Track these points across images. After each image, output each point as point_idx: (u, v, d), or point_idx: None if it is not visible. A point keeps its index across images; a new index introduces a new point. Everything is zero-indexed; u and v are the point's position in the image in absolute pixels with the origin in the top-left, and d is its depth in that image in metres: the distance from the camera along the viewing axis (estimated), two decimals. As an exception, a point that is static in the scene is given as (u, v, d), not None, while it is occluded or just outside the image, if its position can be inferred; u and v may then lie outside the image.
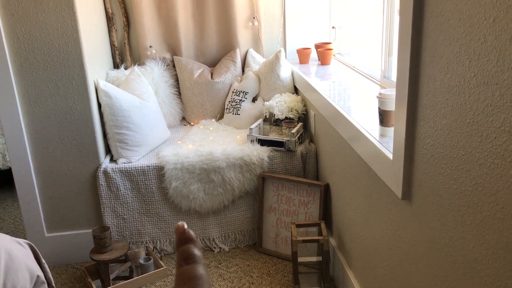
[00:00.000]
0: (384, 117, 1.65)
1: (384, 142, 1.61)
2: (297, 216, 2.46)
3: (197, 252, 0.46)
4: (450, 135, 1.14)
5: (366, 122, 1.81)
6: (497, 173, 0.97)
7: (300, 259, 2.19)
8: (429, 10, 1.19)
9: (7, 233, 2.93)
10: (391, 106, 1.60)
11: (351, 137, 1.86)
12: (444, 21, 1.12)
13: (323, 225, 2.23)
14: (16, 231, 2.98)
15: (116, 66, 3.00)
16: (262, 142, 2.54)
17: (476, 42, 1.00)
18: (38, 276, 1.53)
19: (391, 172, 1.48)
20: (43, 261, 1.63)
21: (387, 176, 1.52)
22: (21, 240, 1.59)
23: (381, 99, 1.64)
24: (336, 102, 2.10)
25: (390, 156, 1.49)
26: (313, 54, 3.04)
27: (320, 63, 2.92)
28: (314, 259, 2.24)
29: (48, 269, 1.64)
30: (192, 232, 0.47)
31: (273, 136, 2.59)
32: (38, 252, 1.62)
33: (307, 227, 2.34)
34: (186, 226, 0.47)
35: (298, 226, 2.27)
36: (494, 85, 0.96)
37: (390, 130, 1.63)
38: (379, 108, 1.66)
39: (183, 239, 0.47)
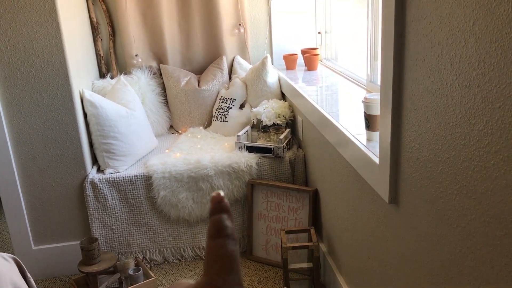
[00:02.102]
0: (370, 122, 1.65)
1: (370, 147, 1.61)
2: (287, 223, 2.45)
3: (230, 224, 0.45)
4: (434, 139, 1.14)
5: (353, 127, 1.81)
6: (481, 175, 0.97)
7: (290, 266, 2.18)
8: (411, 14, 1.20)
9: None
10: (376, 111, 1.60)
11: (338, 142, 1.86)
12: (426, 25, 1.13)
13: (312, 231, 2.22)
14: (3, 245, 2.94)
15: (102, 75, 2.98)
16: (250, 149, 2.53)
17: (457, 46, 1.01)
18: (23, 291, 1.50)
19: (378, 177, 1.48)
20: (29, 275, 1.61)
21: (374, 181, 1.52)
22: (6, 255, 1.56)
23: (366, 103, 1.64)
24: (323, 107, 2.10)
25: (377, 160, 1.49)
26: (300, 60, 3.05)
27: (306, 68, 2.93)
28: (304, 265, 2.23)
29: (33, 283, 1.61)
30: (227, 203, 0.45)
31: (261, 143, 2.58)
32: (24, 266, 1.59)
33: (297, 233, 2.33)
34: (222, 195, 0.45)
35: (288, 232, 2.26)
36: (475, 88, 0.96)
37: (376, 135, 1.62)
38: (364, 112, 1.66)
39: (218, 208, 0.45)
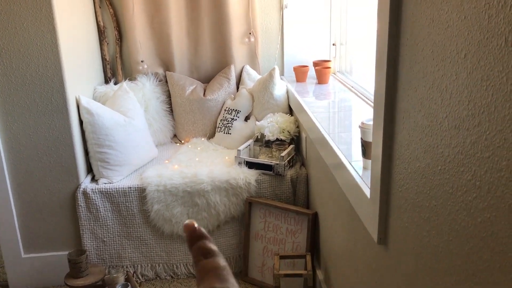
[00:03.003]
0: (366, 149, 1.51)
1: (365, 177, 1.47)
2: (284, 245, 2.32)
3: (214, 247, 0.44)
4: (422, 181, 1.00)
5: (351, 152, 1.67)
6: (467, 233, 0.82)
7: (283, 293, 2.05)
8: (405, 37, 1.06)
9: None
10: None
11: (334, 166, 1.72)
12: (418, 51, 0.99)
13: (308, 258, 2.09)
14: None
15: (107, 80, 2.91)
16: (250, 165, 2.41)
17: (448, 79, 0.87)
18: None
19: (368, 213, 1.34)
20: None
21: (364, 216, 1.38)
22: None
23: (363, 129, 1.50)
24: (324, 126, 1.96)
25: (368, 194, 1.35)
26: (312, 72, 2.91)
27: (317, 81, 2.79)
28: (298, 293, 2.10)
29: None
30: (202, 229, 0.44)
31: (262, 159, 2.46)
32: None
33: (294, 258, 2.19)
34: (196, 224, 0.44)
35: (283, 257, 2.13)
36: (465, 131, 0.82)
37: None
38: (361, 138, 1.52)
39: (195, 237, 0.44)
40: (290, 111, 2.72)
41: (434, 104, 0.93)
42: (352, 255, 1.63)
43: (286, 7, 2.92)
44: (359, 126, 1.52)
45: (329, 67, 2.78)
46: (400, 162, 1.12)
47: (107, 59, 2.89)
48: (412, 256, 1.07)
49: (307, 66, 2.88)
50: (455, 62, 0.84)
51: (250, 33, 2.92)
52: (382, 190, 1.22)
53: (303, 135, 2.45)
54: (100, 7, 2.81)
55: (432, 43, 0.92)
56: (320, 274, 2.19)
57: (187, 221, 0.44)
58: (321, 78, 2.76)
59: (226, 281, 0.41)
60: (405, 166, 1.09)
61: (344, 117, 2.16)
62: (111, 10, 2.83)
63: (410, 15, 1.02)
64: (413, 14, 1.00)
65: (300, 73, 2.84)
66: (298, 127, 2.57)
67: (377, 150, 1.23)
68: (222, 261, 0.43)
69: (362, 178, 1.46)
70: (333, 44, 2.98)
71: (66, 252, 2.45)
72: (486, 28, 0.73)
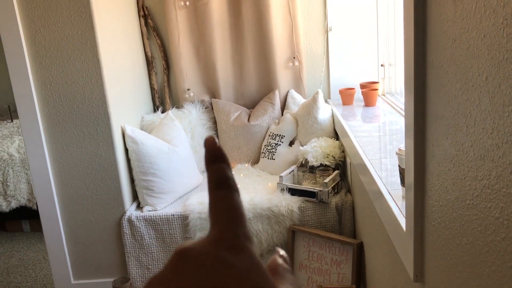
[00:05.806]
0: (404, 177, 1.41)
1: (403, 207, 1.37)
2: (329, 276, 2.22)
3: (231, 175, 0.39)
4: (453, 216, 0.90)
5: (392, 180, 1.57)
6: (497, 279, 0.73)
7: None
8: (430, 59, 0.98)
9: (44, 277, 2.93)
10: (409, 165, 1.36)
11: (374, 194, 1.63)
12: (443, 74, 0.91)
13: (352, 290, 1.98)
14: (44, 276, 2.95)
15: (156, 109, 2.97)
16: (293, 192, 2.34)
17: (472, 104, 0.78)
18: None
19: (404, 246, 1.24)
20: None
21: (401, 250, 1.28)
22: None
23: (401, 156, 1.41)
24: (366, 149, 1.87)
25: (404, 226, 1.25)
26: (358, 95, 2.82)
27: (364, 104, 2.70)
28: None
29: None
30: (225, 152, 0.40)
31: (305, 185, 2.39)
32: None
33: (338, 290, 2.09)
34: (217, 141, 0.39)
35: (326, 289, 2.04)
36: (490, 162, 0.73)
37: (410, 193, 1.38)
38: (399, 166, 1.43)
39: (216, 157, 0.39)
40: (336, 136, 2.64)
41: (459, 131, 0.84)
42: (393, 290, 1.52)
43: (330, 30, 2.87)
44: (396, 153, 1.43)
45: (376, 89, 2.68)
46: (432, 193, 1.03)
47: (155, 88, 2.96)
48: (447, 298, 0.97)
49: (353, 88, 2.79)
50: (477, 85, 0.76)
51: (294, 58, 2.89)
52: (416, 222, 1.13)
53: (348, 160, 2.36)
54: (148, 39, 2.89)
55: (454, 64, 0.85)
56: (366, 308, 2.07)
57: (208, 136, 0.39)
58: (368, 101, 2.66)
59: (240, 226, 0.37)
60: (437, 198, 1.00)
61: (389, 142, 2.05)
62: (158, 41, 2.91)
63: (433, 34, 0.94)
64: (436, 33, 0.93)
65: (346, 96, 2.77)
66: (343, 151, 2.48)
67: (409, 178, 1.14)
68: (236, 196, 0.38)
69: (399, 209, 1.37)
70: (381, 65, 2.89)
71: (113, 279, 2.49)
72: (505, 48, 0.65)
